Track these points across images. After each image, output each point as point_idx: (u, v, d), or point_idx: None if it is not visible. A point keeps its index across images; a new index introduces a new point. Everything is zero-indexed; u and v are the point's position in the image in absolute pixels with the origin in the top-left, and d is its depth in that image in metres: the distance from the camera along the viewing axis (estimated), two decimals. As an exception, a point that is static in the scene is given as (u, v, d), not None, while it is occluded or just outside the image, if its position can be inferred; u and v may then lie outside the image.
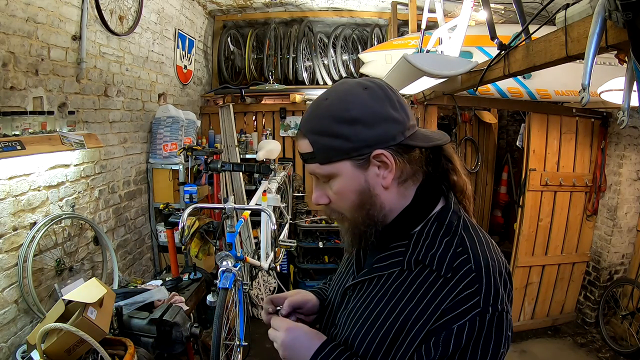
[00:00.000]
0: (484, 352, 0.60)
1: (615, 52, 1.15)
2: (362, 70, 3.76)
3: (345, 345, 0.73)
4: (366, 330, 0.70)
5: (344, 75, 4.48)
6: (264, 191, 3.00)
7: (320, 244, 3.98)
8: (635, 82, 1.04)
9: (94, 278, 1.73)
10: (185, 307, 2.08)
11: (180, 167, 3.04)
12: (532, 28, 1.48)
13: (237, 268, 2.05)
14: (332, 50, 4.45)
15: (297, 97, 4.22)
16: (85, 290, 1.58)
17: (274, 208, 3.14)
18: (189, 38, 3.84)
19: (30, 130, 1.86)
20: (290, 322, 0.78)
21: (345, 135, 0.66)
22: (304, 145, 0.71)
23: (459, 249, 0.65)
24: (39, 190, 2.01)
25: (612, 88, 1.96)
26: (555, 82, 2.71)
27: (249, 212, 2.72)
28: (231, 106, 4.06)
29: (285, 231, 3.51)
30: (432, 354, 0.62)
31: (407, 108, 0.71)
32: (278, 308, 0.85)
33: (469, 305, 0.61)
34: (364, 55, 3.68)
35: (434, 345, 0.62)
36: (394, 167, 0.68)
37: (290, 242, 2.91)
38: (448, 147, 0.76)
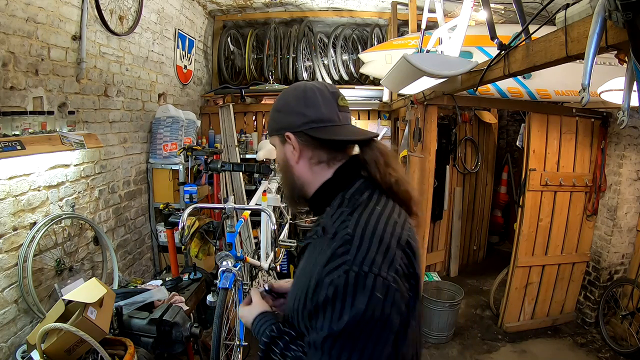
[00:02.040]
0: (346, 307, 0.66)
1: (615, 52, 1.15)
2: (362, 70, 3.75)
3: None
4: (293, 291, 0.83)
5: (344, 75, 4.48)
6: (264, 191, 3.00)
7: (320, 244, 3.97)
8: (635, 82, 1.04)
9: (94, 278, 1.73)
10: (185, 307, 2.08)
11: (180, 167, 3.04)
12: (532, 28, 1.48)
13: (237, 268, 2.05)
14: (332, 50, 4.45)
15: (297, 97, 4.22)
16: (85, 290, 1.58)
17: (274, 208, 3.14)
18: (189, 38, 3.84)
19: (30, 130, 1.86)
20: (246, 301, 0.98)
21: (275, 119, 0.93)
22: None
23: (347, 217, 0.77)
24: (39, 190, 2.01)
25: (612, 88, 1.96)
26: (555, 82, 2.70)
27: (249, 212, 2.72)
28: (231, 106, 4.06)
29: (285, 231, 3.51)
30: (310, 305, 0.72)
31: (322, 108, 0.87)
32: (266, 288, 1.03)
33: (339, 263, 0.69)
34: (364, 55, 3.68)
35: (314, 297, 0.72)
36: (298, 147, 0.88)
37: (290, 242, 2.91)
38: (370, 146, 0.88)
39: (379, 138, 0.94)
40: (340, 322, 0.66)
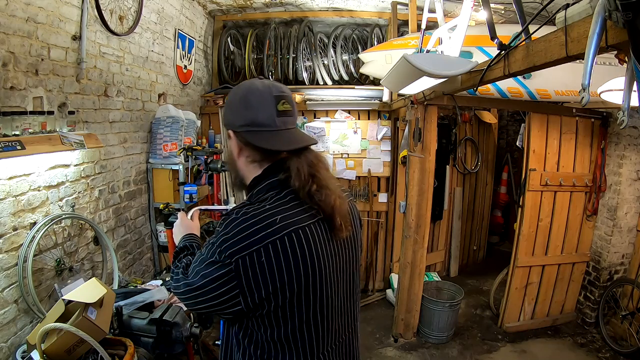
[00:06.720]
0: (204, 256, 0.93)
1: (615, 52, 1.15)
2: (362, 70, 3.75)
3: None
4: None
5: (344, 75, 4.48)
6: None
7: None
8: (635, 82, 1.04)
9: (94, 278, 1.73)
10: (185, 307, 2.08)
11: (180, 167, 3.04)
12: (532, 28, 1.48)
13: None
14: (332, 50, 4.45)
15: (297, 97, 4.21)
16: (85, 290, 1.58)
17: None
18: (189, 38, 3.84)
19: (30, 130, 1.86)
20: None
21: (225, 113, 1.04)
22: None
23: (240, 207, 0.94)
24: (39, 190, 2.01)
25: (612, 88, 1.96)
26: (555, 82, 2.70)
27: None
28: (231, 106, 4.06)
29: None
30: None
31: (260, 112, 0.95)
32: None
33: (217, 231, 0.93)
34: (364, 55, 3.67)
35: None
36: (236, 144, 1.01)
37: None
38: (299, 155, 0.97)
39: (320, 146, 1.07)
40: (198, 256, 0.96)
